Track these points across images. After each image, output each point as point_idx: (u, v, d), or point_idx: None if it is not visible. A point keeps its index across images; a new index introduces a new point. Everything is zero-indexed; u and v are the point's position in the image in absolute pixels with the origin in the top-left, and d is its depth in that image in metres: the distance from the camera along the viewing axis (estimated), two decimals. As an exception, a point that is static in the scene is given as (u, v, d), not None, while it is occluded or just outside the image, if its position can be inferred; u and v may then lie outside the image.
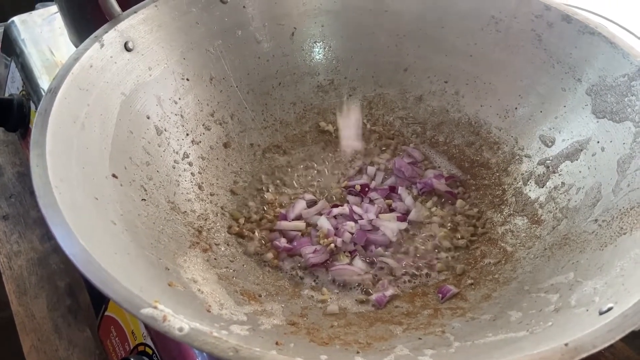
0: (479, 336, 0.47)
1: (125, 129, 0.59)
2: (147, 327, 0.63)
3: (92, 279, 0.37)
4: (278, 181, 0.70)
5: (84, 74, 0.55)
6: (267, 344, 0.45)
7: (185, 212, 0.61)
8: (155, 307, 0.36)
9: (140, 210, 0.55)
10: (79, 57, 0.55)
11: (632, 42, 0.60)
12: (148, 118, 0.62)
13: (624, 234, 0.49)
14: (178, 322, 0.35)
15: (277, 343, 0.45)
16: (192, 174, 0.65)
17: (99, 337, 0.72)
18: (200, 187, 0.65)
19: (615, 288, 0.42)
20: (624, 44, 0.60)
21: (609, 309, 0.38)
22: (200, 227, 0.61)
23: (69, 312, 0.80)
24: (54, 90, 0.51)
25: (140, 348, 0.63)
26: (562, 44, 0.65)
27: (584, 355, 0.34)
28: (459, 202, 0.67)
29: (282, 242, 0.62)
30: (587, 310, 0.41)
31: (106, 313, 0.69)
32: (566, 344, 0.34)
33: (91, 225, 0.44)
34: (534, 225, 0.61)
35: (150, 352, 0.61)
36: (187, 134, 0.67)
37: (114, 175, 0.54)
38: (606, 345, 0.34)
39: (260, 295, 0.56)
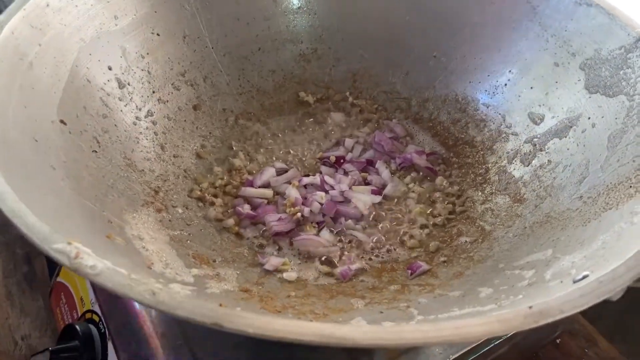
0: (445, 311, 0.43)
1: (81, 76, 0.55)
2: (95, 292, 0.59)
3: (3, 207, 0.33)
4: (249, 149, 0.66)
5: (38, 11, 0.51)
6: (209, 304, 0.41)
7: (143, 170, 0.57)
8: (70, 244, 0.32)
9: (88, 161, 0.51)
10: (34, -7, 0.51)
11: (632, 13, 0.56)
12: (110, 69, 0.58)
13: (610, 209, 0.45)
14: (92, 260, 0.31)
15: (220, 305, 0.41)
16: (155, 133, 0.61)
17: (50, 305, 0.68)
18: (162, 148, 0.61)
19: (594, 260, 0.38)
20: (623, 15, 0.56)
21: (584, 277, 0.34)
22: (158, 187, 0.57)
23: (24, 280, 0.76)
24: (0, 24, 0.47)
25: (88, 315, 0.59)
26: (558, 16, 0.61)
27: (550, 319, 0.29)
28: (438, 179, 0.63)
29: (246, 209, 0.58)
30: (562, 282, 0.37)
31: (57, 279, 0.65)
32: (530, 307, 0.29)
33: (21, 162, 0.40)
34: (515, 204, 0.57)
35: (97, 319, 0.57)
36: (154, 92, 0.63)
37: (62, 121, 0.50)
38: (576, 311, 0.30)
39: (214, 261, 0.52)
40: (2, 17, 0.48)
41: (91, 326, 0.57)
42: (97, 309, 0.57)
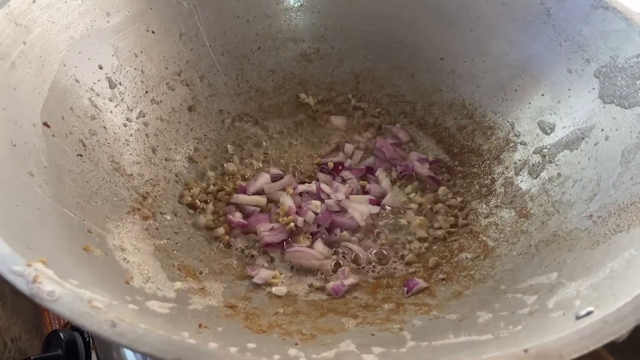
0: (439, 337, 0.40)
1: (69, 76, 0.53)
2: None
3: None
4: (245, 152, 0.64)
5: (23, 8, 0.49)
6: (187, 325, 0.38)
7: (131, 175, 0.55)
8: (29, 265, 0.29)
9: (72, 165, 0.49)
10: (20, -11, 0.49)
11: (651, 18, 0.53)
12: (100, 68, 0.56)
13: (620, 231, 0.42)
14: (51, 284, 0.29)
15: (200, 325, 0.39)
16: (147, 135, 0.59)
17: (40, 308, 0.66)
18: (154, 151, 0.58)
19: (600, 291, 0.35)
20: (642, 21, 0.52)
21: (588, 313, 0.31)
22: (147, 193, 0.55)
23: (18, 280, 0.74)
24: (-19, 21, 0.45)
25: (74, 322, 0.57)
26: (573, 19, 0.57)
27: (547, 366, 0.26)
28: (441, 189, 0.60)
29: (237, 217, 0.56)
30: (564, 314, 0.34)
31: (46, 281, 0.63)
32: (525, 350, 0.27)
33: (-8, 170, 0.38)
34: (521, 219, 0.54)
35: (82, 327, 0.55)
36: (147, 92, 0.60)
37: (45, 124, 0.48)
38: (575, 355, 0.27)
39: (200, 273, 0.50)
40: (-17, 15, 0.46)
41: (76, 334, 0.55)
42: (82, 316, 0.56)
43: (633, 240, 0.40)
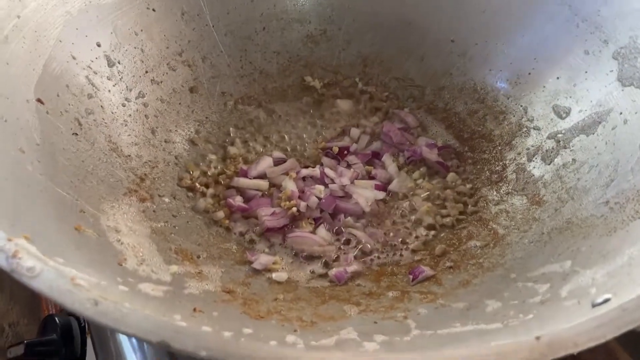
0: (445, 326, 0.38)
1: (66, 52, 0.51)
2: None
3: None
4: (247, 135, 0.62)
5: (18, -19, 0.48)
6: (180, 309, 0.37)
7: (129, 156, 0.53)
8: (10, 240, 0.28)
9: (67, 144, 0.47)
10: (14, -39, 0.48)
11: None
12: (99, 46, 0.54)
13: (639, 217, 0.39)
14: (32, 260, 0.27)
15: (194, 309, 0.37)
16: (146, 116, 0.57)
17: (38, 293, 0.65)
18: (153, 132, 0.57)
19: (618, 278, 0.33)
20: (664, -1, 0.50)
21: (606, 301, 0.29)
22: (145, 174, 0.53)
23: (17, 264, 0.73)
24: (-28, -8, 0.44)
25: (71, 306, 0.55)
26: (590, -1, 0.55)
27: (562, 354, 0.24)
28: (450, 175, 0.58)
29: (237, 201, 0.54)
30: (579, 302, 0.32)
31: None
32: (537, 338, 0.25)
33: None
34: (533, 207, 0.52)
35: (78, 311, 0.54)
36: (147, 72, 0.58)
37: (39, 100, 0.46)
38: (592, 344, 0.25)
39: (198, 257, 0.48)
40: (-25, -14, 0.44)
41: (72, 318, 0.54)
42: (79, 300, 0.54)
43: (654, 227, 0.37)
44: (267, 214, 0.52)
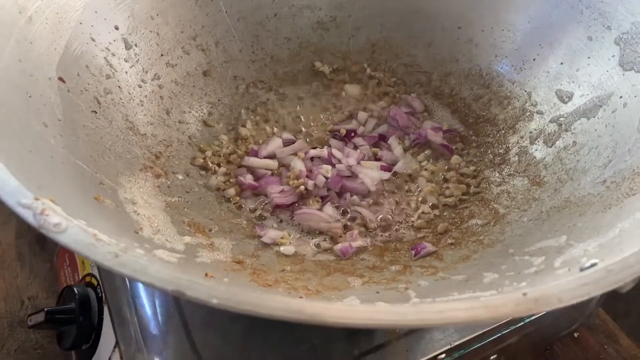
0: (443, 295, 0.40)
1: (86, 34, 0.53)
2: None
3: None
4: (258, 118, 0.64)
5: (41, -34, 0.50)
6: (193, 272, 0.39)
7: (145, 134, 0.55)
8: (37, 199, 0.30)
9: (86, 121, 0.49)
10: (38, -54, 0.50)
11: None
12: (117, 29, 0.56)
13: (634, 194, 0.41)
14: (58, 217, 0.29)
15: (206, 274, 0.40)
16: (161, 97, 0.59)
17: (56, 267, 0.68)
18: (168, 113, 0.59)
19: (608, 249, 0.35)
20: (666, -15, 0.51)
21: (592, 265, 0.31)
22: (160, 152, 0.55)
23: (36, 242, 0.77)
24: (-1, -25, 0.46)
25: (88, 279, 0.58)
26: (594, -15, 0.56)
27: (545, 308, 0.26)
28: (454, 157, 0.60)
29: (248, 179, 0.56)
30: (569, 270, 0.34)
31: (62, 240, 0.65)
32: (524, 294, 0.26)
33: (6, 116, 0.39)
34: (534, 187, 0.53)
35: (95, 283, 0.57)
36: (162, 55, 0.61)
37: (60, 79, 0.48)
38: (576, 300, 0.26)
39: (210, 230, 0.50)
40: (1, -31, 0.47)
41: (89, 289, 0.56)
42: (96, 272, 0.57)
43: (646, 202, 0.39)
44: (276, 192, 0.54)
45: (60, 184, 0.39)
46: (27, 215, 0.29)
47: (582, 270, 0.31)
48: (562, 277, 0.33)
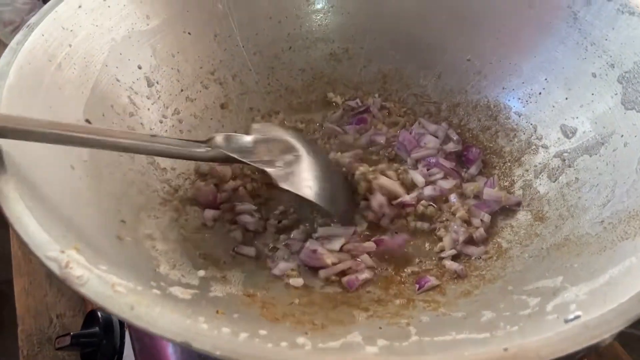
0: (442, 333, 0.41)
1: (111, 75, 0.57)
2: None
3: (7, 213, 0.35)
4: (273, 148, 0.67)
5: (70, 13, 0.53)
6: (205, 310, 0.42)
7: (165, 168, 0.59)
8: (63, 252, 0.33)
9: (110, 160, 0.53)
10: (67, -4, 0.54)
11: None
12: (140, 68, 0.60)
13: (627, 238, 0.43)
14: (81, 269, 0.32)
15: (217, 312, 0.42)
16: (181, 131, 0.63)
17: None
18: (187, 146, 0.62)
19: (595, 297, 0.36)
20: (667, 27, 0.52)
21: (576, 317, 0.32)
22: (178, 186, 0.59)
23: (64, 261, 0.80)
24: (31, 26, 0.50)
25: (111, 302, 0.61)
26: (599, 23, 0.57)
27: (523, 365, 0.28)
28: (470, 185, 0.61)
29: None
30: (558, 317, 0.36)
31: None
32: (505, 349, 0.29)
33: (38, 164, 0.42)
34: (536, 222, 0.55)
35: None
36: (182, 90, 0.64)
37: (87, 121, 0.52)
38: (555, 356, 0.28)
39: (224, 262, 0.53)
40: (33, 20, 0.51)
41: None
42: (118, 297, 0.60)
43: (637, 248, 0.40)
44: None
45: (84, 225, 0.42)
46: (54, 268, 0.32)
47: (566, 322, 0.33)
48: (550, 325, 0.35)
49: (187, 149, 0.49)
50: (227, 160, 0.50)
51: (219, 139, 0.49)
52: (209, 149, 0.50)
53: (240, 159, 0.50)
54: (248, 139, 0.51)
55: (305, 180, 0.54)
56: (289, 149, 0.56)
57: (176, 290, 0.42)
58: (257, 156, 0.52)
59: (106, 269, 0.36)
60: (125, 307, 0.31)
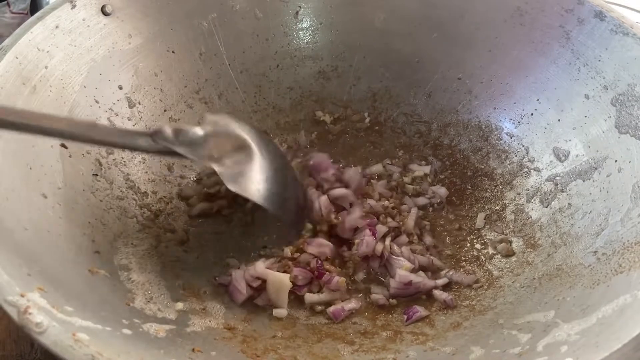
0: (428, 371, 0.40)
1: (89, 97, 0.55)
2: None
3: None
4: (259, 170, 0.65)
5: (46, 34, 0.52)
6: (180, 349, 0.40)
7: (145, 192, 0.57)
8: (22, 296, 0.31)
9: (86, 185, 0.51)
10: (44, 16, 0.52)
11: (672, 46, 0.51)
12: (120, 88, 0.58)
13: (621, 272, 0.41)
14: (41, 315, 0.31)
15: (193, 349, 0.41)
16: (164, 153, 0.61)
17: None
18: (169, 169, 0.61)
19: (587, 339, 0.35)
20: (662, 48, 0.51)
21: (566, 366, 0.31)
22: (159, 210, 0.57)
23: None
24: (4, 49, 0.48)
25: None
26: (592, 44, 0.56)
27: None
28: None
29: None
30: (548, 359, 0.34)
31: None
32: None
33: (7, 196, 0.41)
34: (528, 249, 0.53)
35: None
36: (165, 110, 0.62)
37: (62, 145, 0.50)
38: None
39: (205, 292, 0.51)
40: (6, 42, 0.49)
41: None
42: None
43: (631, 285, 0.39)
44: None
45: (54, 260, 0.40)
46: (12, 313, 0.30)
47: (555, 369, 0.31)
48: (538, 371, 0.33)
49: (129, 139, 0.45)
50: (172, 154, 0.47)
51: (168, 131, 0.45)
52: (153, 142, 0.46)
53: (187, 154, 0.47)
54: (200, 132, 0.48)
55: (255, 182, 0.52)
56: (241, 146, 0.53)
57: (150, 328, 0.41)
58: (206, 151, 0.49)
59: (72, 310, 0.34)
60: (86, 357, 0.29)
